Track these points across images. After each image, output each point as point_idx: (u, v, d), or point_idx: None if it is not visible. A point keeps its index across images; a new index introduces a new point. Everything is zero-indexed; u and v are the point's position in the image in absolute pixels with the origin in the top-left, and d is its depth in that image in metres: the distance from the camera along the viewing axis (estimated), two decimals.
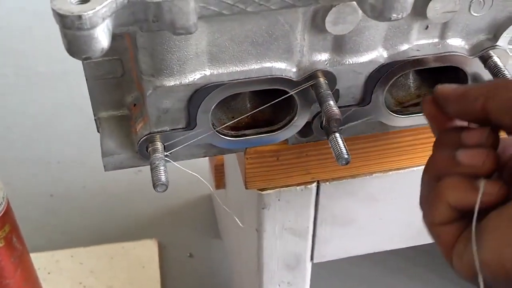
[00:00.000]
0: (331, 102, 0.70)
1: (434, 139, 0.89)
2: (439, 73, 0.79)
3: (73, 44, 0.48)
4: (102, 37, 0.49)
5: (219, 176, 1.36)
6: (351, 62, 0.73)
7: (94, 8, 0.47)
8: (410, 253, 1.47)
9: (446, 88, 0.66)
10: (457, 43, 0.76)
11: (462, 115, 0.64)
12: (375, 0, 0.53)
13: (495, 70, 0.75)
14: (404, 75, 0.80)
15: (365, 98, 0.78)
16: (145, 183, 0.94)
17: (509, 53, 0.78)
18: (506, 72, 0.75)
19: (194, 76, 0.69)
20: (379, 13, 0.54)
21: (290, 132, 0.78)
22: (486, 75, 0.78)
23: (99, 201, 1.85)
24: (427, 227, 0.62)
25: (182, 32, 0.53)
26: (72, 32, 0.47)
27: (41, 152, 2.00)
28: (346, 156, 0.71)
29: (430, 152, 0.90)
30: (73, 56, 0.49)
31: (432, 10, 0.70)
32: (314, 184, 0.89)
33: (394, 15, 0.54)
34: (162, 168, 0.66)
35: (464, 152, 0.58)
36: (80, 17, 0.46)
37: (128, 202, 1.83)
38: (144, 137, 0.70)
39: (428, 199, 0.62)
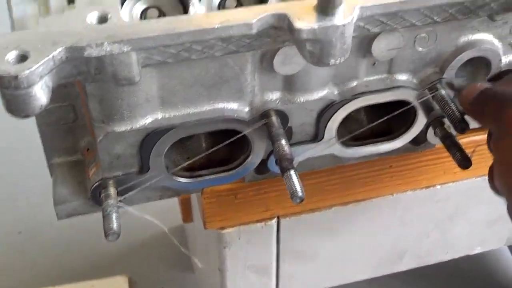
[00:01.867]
0: (283, 142, 0.71)
1: (390, 170, 0.91)
2: (391, 104, 0.80)
3: (11, 103, 0.49)
4: (40, 94, 0.49)
5: (186, 210, 1.36)
6: (302, 100, 0.75)
7: (31, 68, 0.47)
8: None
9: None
10: (404, 78, 0.78)
11: None
12: (313, 47, 0.54)
13: (442, 103, 0.77)
14: (356, 109, 0.81)
15: (318, 133, 0.79)
16: None
17: (455, 84, 0.80)
18: (452, 104, 0.76)
19: (146, 121, 0.69)
20: (318, 59, 0.55)
21: (246, 170, 0.78)
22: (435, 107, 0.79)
23: (67, 237, 1.82)
24: None
25: (125, 83, 0.54)
26: (10, 91, 0.47)
27: (8, 188, 1.97)
28: (300, 194, 0.71)
29: (387, 183, 0.92)
30: (12, 115, 0.49)
31: (377, 48, 0.71)
32: (274, 220, 0.90)
33: (332, 60, 0.55)
34: (114, 216, 0.66)
35: None
36: (16, 77, 0.47)
37: (97, 237, 1.81)
38: (97, 183, 0.70)
39: None
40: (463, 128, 0.75)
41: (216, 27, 0.51)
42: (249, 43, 0.57)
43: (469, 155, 0.78)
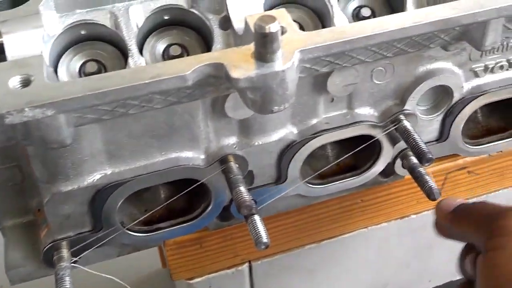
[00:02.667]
0: (241, 188, 0.68)
1: (361, 204, 0.89)
2: (356, 137, 0.77)
3: None
4: None
5: (162, 255, 1.32)
6: (260, 143, 0.72)
7: None
8: None
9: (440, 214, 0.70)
10: (365, 112, 0.76)
11: None
12: (254, 95, 0.51)
13: (405, 135, 0.75)
14: (320, 146, 0.79)
15: (281, 175, 0.76)
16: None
17: (418, 115, 0.78)
18: (416, 136, 0.74)
19: (93, 177, 0.66)
20: (260, 107, 0.52)
21: (208, 218, 0.75)
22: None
23: None
24: None
25: (55, 146, 0.51)
26: None
27: None
28: (264, 241, 0.68)
29: (360, 217, 0.89)
30: None
31: (332, 84, 0.69)
32: (246, 265, 0.87)
33: (276, 107, 0.53)
34: (67, 279, 0.62)
35: None
36: None
37: None
38: (48, 245, 0.67)
39: None
40: (427, 160, 0.72)
41: (147, 83, 0.49)
42: (191, 93, 0.55)
43: (436, 187, 0.76)
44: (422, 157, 0.72)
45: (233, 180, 0.69)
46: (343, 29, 0.55)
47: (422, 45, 0.62)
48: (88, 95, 0.47)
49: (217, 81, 0.53)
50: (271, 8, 0.68)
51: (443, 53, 0.73)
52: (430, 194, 0.76)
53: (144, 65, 0.59)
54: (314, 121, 0.74)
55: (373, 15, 0.71)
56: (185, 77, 0.50)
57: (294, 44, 0.52)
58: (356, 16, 0.71)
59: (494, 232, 0.59)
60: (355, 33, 0.54)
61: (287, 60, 0.51)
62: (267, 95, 0.51)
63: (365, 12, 0.70)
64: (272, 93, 0.51)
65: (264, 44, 0.49)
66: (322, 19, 0.69)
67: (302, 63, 0.55)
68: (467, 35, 0.62)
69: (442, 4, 0.58)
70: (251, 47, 0.51)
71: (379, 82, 0.73)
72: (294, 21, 0.68)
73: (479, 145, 0.85)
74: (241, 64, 0.50)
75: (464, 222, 0.66)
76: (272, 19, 0.48)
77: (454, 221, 0.68)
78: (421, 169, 0.79)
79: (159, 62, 0.60)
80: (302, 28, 0.69)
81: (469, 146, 0.84)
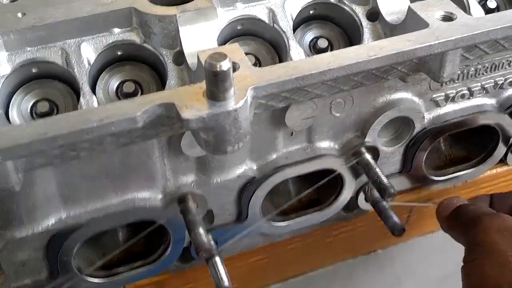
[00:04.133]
0: (200, 230, 0.66)
1: (326, 240, 0.87)
2: (318, 172, 0.76)
3: None
4: None
5: None
6: (219, 180, 0.70)
7: None
8: None
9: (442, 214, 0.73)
10: (326, 145, 0.74)
11: None
12: (206, 135, 0.49)
13: (367, 168, 0.73)
14: (282, 182, 0.77)
15: (242, 212, 0.74)
16: None
17: (380, 147, 0.76)
18: (377, 169, 0.73)
19: (48, 222, 0.64)
20: (213, 147, 0.51)
21: (167, 261, 0.73)
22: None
23: None
24: None
25: (4, 194, 0.49)
26: None
27: None
28: (226, 285, 0.66)
29: (325, 254, 0.87)
30: None
31: (291, 118, 0.68)
32: None
33: (230, 147, 0.51)
34: None
35: None
36: None
37: None
38: None
39: None
40: (389, 195, 0.71)
41: (95, 126, 0.47)
42: (143, 133, 0.53)
43: (400, 223, 0.75)
44: (384, 192, 0.71)
45: (191, 221, 0.67)
46: (297, 64, 0.53)
47: (379, 77, 0.61)
48: (34, 141, 0.45)
49: (170, 120, 0.51)
50: (226, 41, 0.67)
51: (403, 84, 0.72)
52: (394, 230, 0.75)
53: (92, 107, 0.57)
54: (274, 156, 0.72)
55: (330, 45, 0.70)
56: (135, 119, 0.48)
57: (247, 81, 0.51)
58: (313, 47, 0.70)
59: (469, 244, 0.60)
60: (309, 68, 0.53)
61: (240, 98, 0.49)
62: (220, 135, 0.50)
63: (322, 43, 0.69)
64: (225, 133, 0.49)
65: (215, 83, 0.48)
66: (278, 51, 0.68)
67: (256, 99, 0.54)
68: (424, 66, 0.61)
69: (398, 36, 0.57)
70: (203, 85, 0.50)
71: (338, 115, 0.72)
72: (250, 53, 0.67)
73: (443, 175, 0.84)
74: (192, 104, 0.49)
75: (455, 228, 0.69)
76: (223, 56, 0.47)
77: (449, 225, 0.71)
78: (385, 203, 0.78)
79: (107, 104, 0.58)
80: (258, 60, 0.68)
81: (433, 177, 0.83)
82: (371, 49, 0.55)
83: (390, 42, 0.56)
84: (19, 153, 0.46)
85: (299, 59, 0.62)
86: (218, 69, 0.47)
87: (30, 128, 0.46)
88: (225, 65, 0.47)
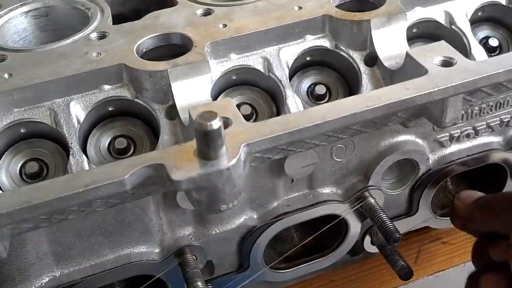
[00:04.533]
0: (199, 284, 0.64)
1: (332, 284, 0.84)
2: (321, 216, 0.73)
3: None
4: None
5: None
6: (218, 231, 0.68)
7: None
8: None
9: (460, 206, 0.69)
10: (328, 190, 0.72)
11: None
12: (199, 195, 0.48)
13: (371, 213, 0.71)
14: (285, 229, 0.75)
15: (243, 262, 0.72)
16: None
17: (384, 190, 0.74)
18: (381, 214, 0.70)
19: (41, 281, 0.62)
20: (207, 207, 0.49)
21: None
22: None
23: None
24: None
25: None
26: None
27: None
28: None
29: None
30: None
31: (290, 167, 0.66)
32: None
33: (224, 206, 0.49)
34: None
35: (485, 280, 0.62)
36: None
37: None
38: None
39: None
40: (395, 240, 0.69)
41: (81, 192, 0.45)
42: (134, 193, 0.51)
43: (407, 267, 0.72)
44: (389, 238, 0.69)
45: (190, 274, 0.65)
46: (291, 118, 0.52)
47: (379, 124, 0.59)
48: (17, 210, 0.43)
49: (162, 179, 0.49)
50: (221, 92, 0.65)
51: (413, 127, 0.70)
52: (401, 274, 0.72)
53: (79, 171, 0.55)
54: (275, 204, 0.70)
55: (329, 91, 0.69)
56: (122, 182, 0.46)
57: (239, 137, 0.49)
58: (311, 93, 0.69)
59: None
60: (304, 121, 0.51)
61: (232, 156, 0.47)
62: (213, 195, 0.48)
63: (320, 89, 0.67)
64: (219, 192, 0.47)
65: (206, 142, 0.46)
66: (275, 100, 0.66)
67: (251, 155, 0.52)
68: (426, 112, 0.59)
69: (396, 85, 0.55)
70: (194, 143, 0.48)
71: (339, 160, 0.70)
72: (246, 103, 0.66)
73: None
74: (183, 164, 0.47)
75: (489, 211, 0.65)
76: (213, 115, 0.45)
77: (476, 211, 0.67)
78: (391, 247, 0.76)
79: (94, 168, 0.56)
80: (255, 110, 0.66)
81: (440, 218, 0.81)
82: (369, 99, 0.53)
83: (388, 91, 0.54)
84: (2, 222, 0.44)
85: (294, 112, 0.60)
86: (208, 129, 0.45)
87: (13, 196, 0.44)
88: (215, 124, 0.45)
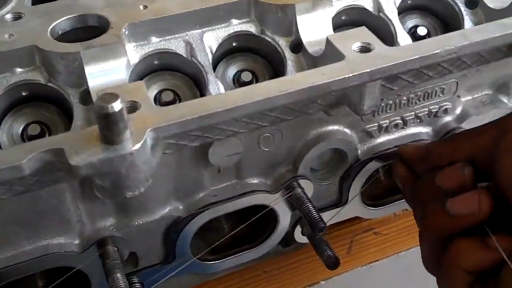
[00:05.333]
0: (118, 275, 0.62)
1: (265, 275, 0.83)
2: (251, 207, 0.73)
3: None
4: None
5: None
6: (141, 222, 0.66)
7: None
8: None
9: (408, 149, 0.63)
10: (256, 180, 0.71)
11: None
12: (102, 181, 0.46)
13: (298, 203, 0.71)
14: (215, 218, 0.74)
15: (169, 253, 0.70)
16: None
17: (314, 180, 0.74)
18: (308, 204, 0.70)
19: None
20: (111, 193, 0.47)
21: None
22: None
23: None
24: None
25: None
26: None
27: None
28: None
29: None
30: None
31: (214, 156, 0.64)
32: None
33: (129, 193, 0.48)
34: None
35: (453, 203, 0.51)
36: None
37: None
38: None
39: (441, 267, 0.54)
40: (320, 229, 0.68)
41: None
42: (39, 180, 0.49)
43: (334, 256, 0.72)
44: (315, 227, 0.68)
45: (109, 266, 0.63)
46: (202, 102, 0.50)
47: (299, 112, 0.58)
48: None
49: (64, 166, 0.48)
50: (142, 77, 0.64)
51: (335, 115, 0.69)
52: (328, 264, 0.72)
53: None
54: (201, 194, 0.69)
55: (255, 78, 0.68)
56: (20, 167, 0.45)
57: (147, 122, 0.48)
58: (237, 80, 0.67)
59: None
60: (215, 106, 0.50)
61: (137, 141, 0.46)
62: (117, 181, 0.46)
63: (246, 76, 0.66)
64: (122, 179, 0.46)
65: (107, 126, 0.44)
66: (199, 86, 0.65)
67: (163, 140, 0.51)
68: (345, 99, 0.59)
69: (312, 70, 0.54)
70: (97, 128, 0.46)
71: (267, 149, 0.69)
72: (168, 89, 0.64)
73: (382, 205, 0.81)
74: (84, 148, 0.45)
75: (469, 139, 0.56)
76: (114, 97, 0.44)
77: (438, 145, 0.60)
78: (320, 237, 0.75)
79: None
80: (178, 96, 0.65)
81: (371, 208, 0.81)
82: (283, 84, 0.52)
83: (303, 76, 0.53)
84: None
85: (207, 96, 0.59)
86: (109, 111, 0.44)
87: None
88: (116, 106, 0.44)
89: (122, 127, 0.45)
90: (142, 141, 0.46)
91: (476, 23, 0.73)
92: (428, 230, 0.56)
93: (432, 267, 0.57)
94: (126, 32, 0.60)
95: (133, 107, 0.49)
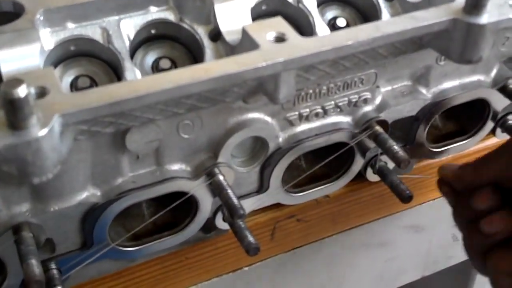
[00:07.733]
0: (32, 261, 0.62)
1: (186, 261, 0.84)
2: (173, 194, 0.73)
3: None
4: None
5: None
6: (57, 208, 0.66)
7: None
8: None
9: (444, 173, 0.72)
10: (176, 167, 0.71)
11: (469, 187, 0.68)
12: (8, 167, 0.45)
13: (218, 190, 0.71)
14: (133, 205, 0.74)
15: (87, 240, 0.70)
16: None
17: (235, 167, 0.75)
18: (228, 190, 0.71)
19: None
20: (18, 180, 0.47)
21: None
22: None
23: None
24: None
25: None
26: None
27: None
28: None
29: (186, 276, 0.84)
30: None
31: (132, 142, 0.64)
32: None
33: (37, 178, 0.47)
34: None
35: (484, 223, 0.63)
36: None
37: None
38: None
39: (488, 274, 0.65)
40: (239, 216, 0.69)
41: None
42: None
43: (255, 242, 0.73)
44: (234, 213, 0.69)
45: (24, 252, 0.62)
46: (112, 89, 0.50)
47: (215, 100, 0.59)
48: None
49: None
50: (57, 63, 0.63)
51: (254, 104, 0.70)
52: (248, 250, 0.73)
53: None
54: (119, 180, 0.69)
55: (174, 66, 0.68)
56: None
57: (54, 108, 0.47)
58: (156, 68, 0.67)
59: None
60: (126, 92, 0.50)
61: (43, 126, 0.45)
62: (22, 168, 0.46)
63: (164, 64, 0.66)
64: (28, 165, 0.46)
65: (12, 111, 0.44)
66: (117, 73, 0.65)
67: (74, 126, 0.50)
68: (261, 88, 0.60)
69: (226, 58, 0.55)
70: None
71: (187, 136, 0.69)
72: (85, 75, 0.64)
73: (302, 192, 0.83)
74: None
75: (490, 163, 0.66)
76: (19, 82, 0.43)
77: (469, 169, 0.68)
78: (241, 223, 0.76)
79: None
80: (95, 82, 0.64)
81: (292, 194, 0.82)
82: (196, 72, 0.52)
83: (217, 65, 0.53)
84: None
85: (119, 82, 0.58)
86: (14, 96, 0.43)
87: None
88: (21, 91, 0.43)
89: (27, 112, 0.44)
90: (49, 127, 0.46)
91: (393, 16, 0.75)
92: (470, 250, 0.67)
93: (483, 273, 0.68)
94: (41, 18, 0.59)
95: (41, 93, 0.48)
